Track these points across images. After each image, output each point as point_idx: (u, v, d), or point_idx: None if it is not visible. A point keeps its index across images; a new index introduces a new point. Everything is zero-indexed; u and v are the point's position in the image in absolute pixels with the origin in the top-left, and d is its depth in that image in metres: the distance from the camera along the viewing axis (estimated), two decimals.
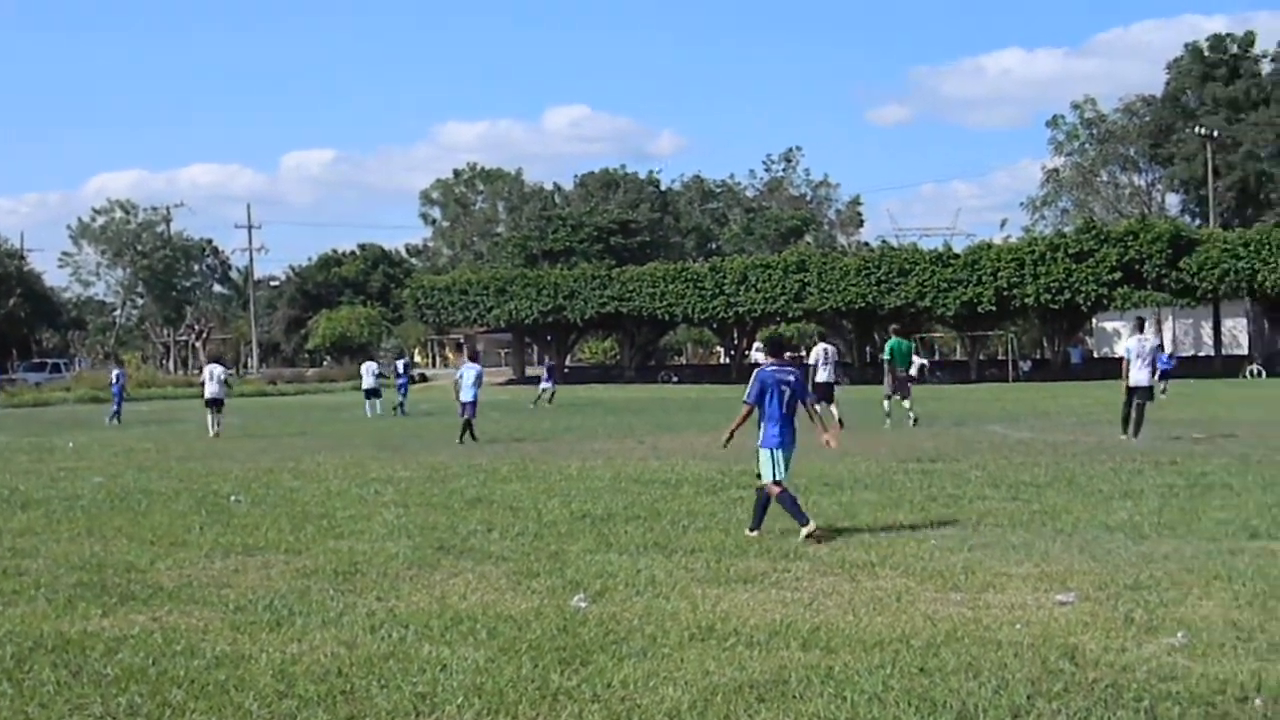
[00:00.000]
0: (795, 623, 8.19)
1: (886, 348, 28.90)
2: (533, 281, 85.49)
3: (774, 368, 12.31)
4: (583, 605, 8.92)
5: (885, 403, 28.30)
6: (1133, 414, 22.59)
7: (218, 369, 33.16)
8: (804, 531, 11.69)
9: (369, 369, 41.63)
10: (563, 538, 12.16)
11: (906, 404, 27.80)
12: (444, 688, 6.88)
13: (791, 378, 12.27)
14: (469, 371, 26.98)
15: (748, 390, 12.23)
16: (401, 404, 42.06)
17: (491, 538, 12.23)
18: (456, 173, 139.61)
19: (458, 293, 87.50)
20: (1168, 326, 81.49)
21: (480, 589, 9.66)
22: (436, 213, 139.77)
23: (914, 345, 29.66)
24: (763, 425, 12.18)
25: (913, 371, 62.69)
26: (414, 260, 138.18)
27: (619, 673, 7.08)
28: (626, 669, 7.15)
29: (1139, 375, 22.76)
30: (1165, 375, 42.85)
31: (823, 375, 27.59)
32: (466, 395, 26.40)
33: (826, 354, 28.07)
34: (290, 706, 6.66)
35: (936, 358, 67.82)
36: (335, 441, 27.57)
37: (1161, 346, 27.44)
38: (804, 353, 45.72)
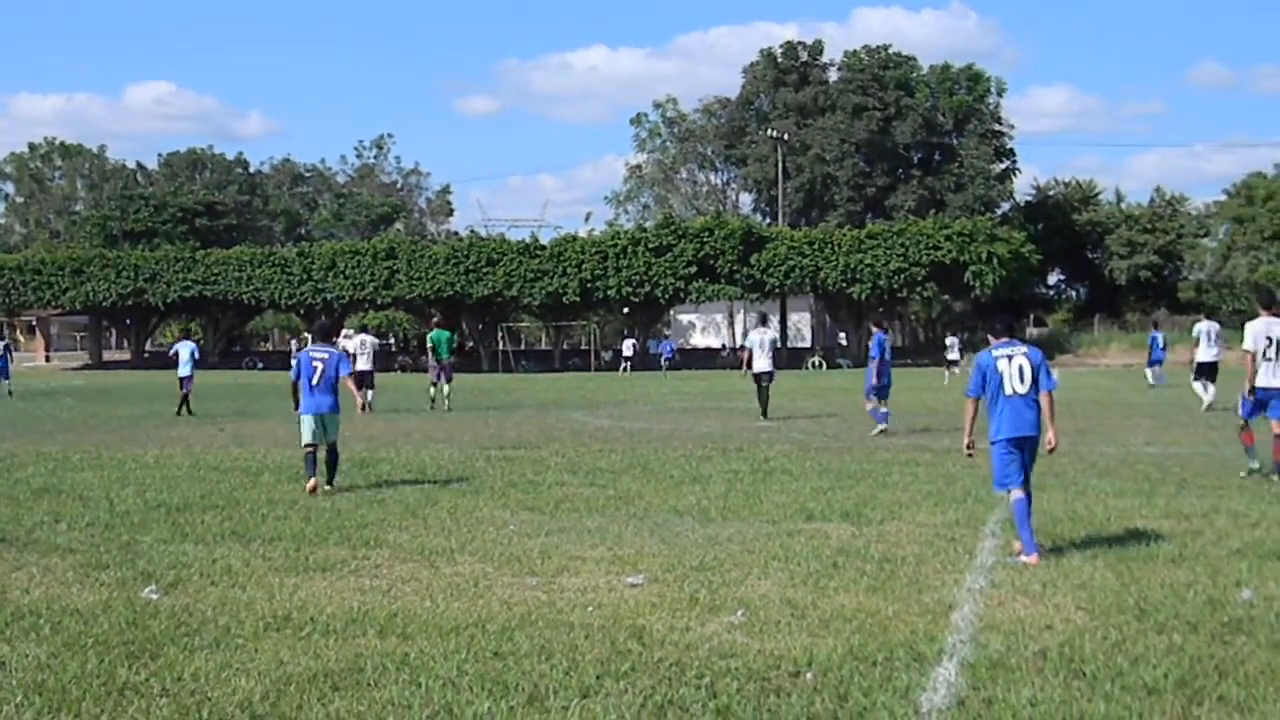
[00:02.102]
0: (373, 610, 8.20)
1: (429, 338, 32.15)
2: (112, 263, 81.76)
3: (313, 349, 14.89)
4: (154, 597, 8.66)
5: (431, 389, 30.95)
6: (762, 396, 25.53)
7: None
8: (307, 485, 14.18)
9: None
10: (135, 528, 11.75)
11: (446, 389, 30.41)
12: (2, 686, 6.57)
13: (326, 355, 14.73)
14: (183, 348, 29.46)
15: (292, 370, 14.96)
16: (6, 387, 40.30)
17: (59, 529, 11.69)
18: (32, 146, 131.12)
19: (31, 273, 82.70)
20: (739, 320, 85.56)
21: (45, 582, 9.22)
22: (10, 188, 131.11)
23: (454, 335, 33.48)
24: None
25: (626, 353, 65.01)
26: None
27: (190, 665, 6.92)
28: (198, 661, 7.01)
29: (761, 363, 25.45)
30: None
31: (362, 364, 30.06)
32: (184, 370, 28.98)
33: (364, 344, 31.36)
34: None
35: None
36: None
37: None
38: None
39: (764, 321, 27.24)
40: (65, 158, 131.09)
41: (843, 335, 79.37)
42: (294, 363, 14.89)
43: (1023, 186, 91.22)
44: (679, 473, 15.88)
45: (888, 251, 68.80)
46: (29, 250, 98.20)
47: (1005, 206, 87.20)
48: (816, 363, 69.03)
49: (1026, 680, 6.56)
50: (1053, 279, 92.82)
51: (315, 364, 14.57)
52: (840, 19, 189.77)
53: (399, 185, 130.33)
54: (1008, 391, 10.03)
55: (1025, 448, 10.06)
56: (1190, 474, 15.05)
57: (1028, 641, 7.31)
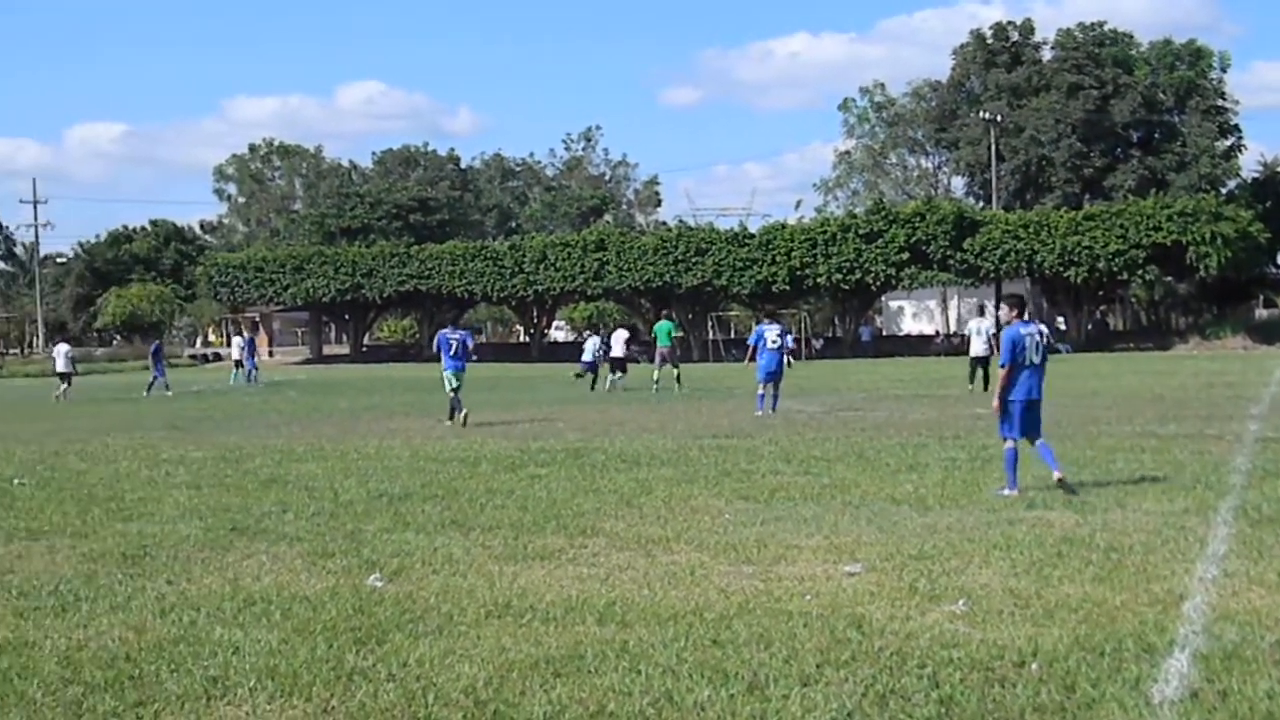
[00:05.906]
0: (591, 598, 8.25)
1: (654, 330, 36.79)
2: (330, 259, 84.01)
3: (449, 331, 23.51)
4: (379, 584, 8.86)
5: (654, 373, 34.64)
6: (976, 376, 29.62)
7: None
8: (459, 417, 22.65)
9: (62, 351, 39.33)
10: (359, 517, 12.05)
11: (675, 372, 34.72)
12: (236, 670, 6.76)
13: (458, 336, 23.40)
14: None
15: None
16: (253, 375, 46.26)
17: (286, 518, 12.05)
18: (252, 148, 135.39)
19: (253, 270, 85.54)
20: (953, 305, 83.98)
21: (274, 570, 9.51)
22: (232, 189, 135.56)
23: (673, 326, 36.46)
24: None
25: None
26: (208, 237, 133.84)
27: (414, 651, 7.04)
28: (422, 647, 7.12)
29: (977, 348, 30.06)
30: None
31: (616, 352, 35.57)
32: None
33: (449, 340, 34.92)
34: (76, 693, 6.45)
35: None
36: (125, 422, 26.77)
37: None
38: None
39: (981, 312, 30.82)
40: (283, 158, 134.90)
41: (1061, 319, 77.36)
42: (437, 338, 23.55)
43: (1249, 163, 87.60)
44: (895, 461, 15.67)
45: (1106, 233, 66.72)
46: (251, 249, 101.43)
47: (1231, 184, 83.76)
48: None
49: (1264, 672, 6.30)
50: None
51: (451, 341, 23.09)
52: None
53: (607, 177, 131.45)
54: (1027, 362, 12.45)
55: (1035, 408, 12.61)
56: None
57: (1264, 633, 7.02)
